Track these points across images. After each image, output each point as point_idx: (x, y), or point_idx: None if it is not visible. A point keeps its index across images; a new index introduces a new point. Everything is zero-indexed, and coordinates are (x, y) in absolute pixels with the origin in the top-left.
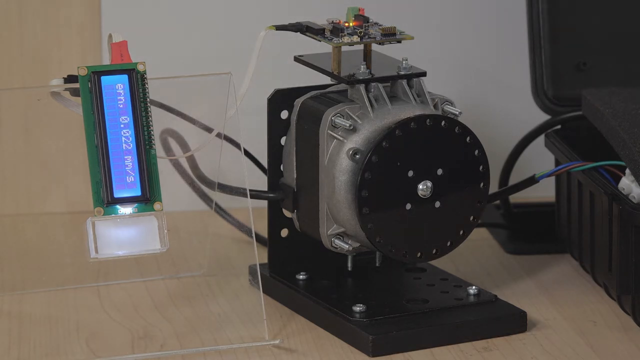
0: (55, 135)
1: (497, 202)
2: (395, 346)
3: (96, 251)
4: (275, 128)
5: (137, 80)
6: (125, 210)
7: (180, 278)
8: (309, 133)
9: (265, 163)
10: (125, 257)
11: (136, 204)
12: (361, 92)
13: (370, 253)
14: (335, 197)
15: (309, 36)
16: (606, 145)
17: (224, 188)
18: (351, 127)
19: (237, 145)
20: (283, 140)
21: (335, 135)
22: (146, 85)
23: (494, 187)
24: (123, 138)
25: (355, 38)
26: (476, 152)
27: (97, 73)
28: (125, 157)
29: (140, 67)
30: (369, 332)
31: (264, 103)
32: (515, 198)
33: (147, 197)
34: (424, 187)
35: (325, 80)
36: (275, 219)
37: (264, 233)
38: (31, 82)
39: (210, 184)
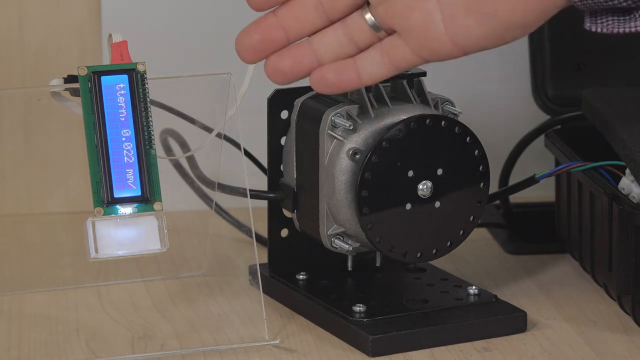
0: (55, 135)
1: (497, 202)
2: (395, 346)
3: (96, 251)
4: (275, 128)
5: (137, 80)
6: (125, 210)
7: (180, 278)
8: (309, 133)
9: (265, 163)
10: (125, 257)
11: (136, 204)
12: (361, 92)
13: (370, 253)
14: (335, 197)
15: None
16: (606, 145)
17: (224, 188)
18: (351, 127)
19: (237, 145)
20: (283, 140)
21: (335, 135)
22: (146, 85)
23: (494, 187)
24: (123, 138)
25: None
26: (476, 152)
27: (97, 73)
28: (125, 157)
29: (140, 67)
30: (369, 332)
31: (264, 103)
32: (515, 198)
33: (147, 197)
34: (424, 187)
35: None
36: (275, 219)
37: (264, 233)
38: (31, 82)
39: (210, 184)
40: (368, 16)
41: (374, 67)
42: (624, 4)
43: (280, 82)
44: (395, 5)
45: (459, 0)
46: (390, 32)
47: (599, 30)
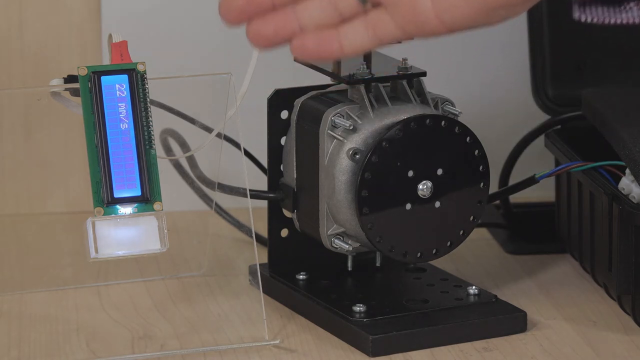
0: (55, 135)
1: (497, 202)
2: (395, 346)
3: (96, 251)
4: (275, 128)
5: (137, 80)
6: (125, 210)
7: (180, 278)
8: (309, 133)
9: (265, 163)
10: (125, 257)
11: (136, 204)
12: (361, 92)
13: (370, 253)
14: (335, 197)
15: None
16: (606, 145)
17: (224, 188)
18: (351, 127)
19: (237, 145)
20: (283, 140)
21: (335, 135)
22: (146, 85)
23: (494, 187)
24: (123, 138)
25: None
26: (476, 152)
27: (97, 73)
28: (125, 157)
29: (140, 67)
30: (369, 332)
31: (264, 103)
32: (515, 198)
33: (147, 197)
34: (424, 187)
35: (325, 80)
36: (275, 219)
37: (264, 233)
38: (31, 82)
39: (210, 184)
40: None
41: (357, 38)
42: None
43: (262, 46)
44: None
45: None
46: (376, 5)
47: (588, 19)
